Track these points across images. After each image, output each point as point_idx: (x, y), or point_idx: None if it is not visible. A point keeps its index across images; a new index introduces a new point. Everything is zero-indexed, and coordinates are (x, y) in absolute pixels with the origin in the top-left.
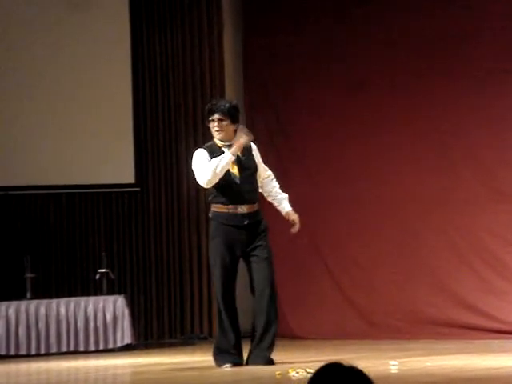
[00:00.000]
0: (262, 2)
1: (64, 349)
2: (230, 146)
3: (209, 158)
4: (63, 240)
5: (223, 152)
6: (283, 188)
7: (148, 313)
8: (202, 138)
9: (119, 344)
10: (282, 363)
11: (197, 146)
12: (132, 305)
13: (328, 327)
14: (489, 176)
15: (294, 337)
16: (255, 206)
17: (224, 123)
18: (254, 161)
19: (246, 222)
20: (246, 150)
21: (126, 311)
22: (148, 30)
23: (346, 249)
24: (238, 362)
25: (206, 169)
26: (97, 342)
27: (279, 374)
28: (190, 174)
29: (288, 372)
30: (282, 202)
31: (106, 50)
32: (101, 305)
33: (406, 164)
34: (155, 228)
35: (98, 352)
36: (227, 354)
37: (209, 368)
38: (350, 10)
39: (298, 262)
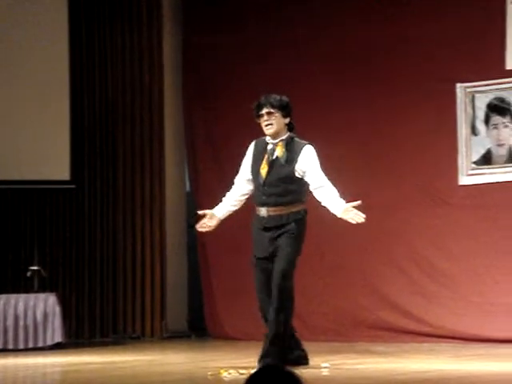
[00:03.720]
0: (203, 0)
1: None
2: (274, 144)
3: (250, 160)
4: None
5: (266, 150)
6: (222, 188)
7: (80, 311)
8: (140, 136)
9: (49, 342)
10: (214, 364)
11: (133, 144)
12: (64, 303)
13: (261, 328)
14: (422, 181)
15: (228, 337)
16: (280, 210)
17: (273, 116)
18: (293, 167)
19: (265, 225)
20: (292, 153)
21: (57, 309)
22: (87, 25)
23: None
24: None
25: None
26: (26, 340)
27: (211, 375)
28: (127, 172)
29: (220, 373)
30: (331, 208)
31: (43, 46)
32: (32, 302)
33: (341, 168)
34: (89, 226)
35: (27, 350)
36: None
37: (139, 366)
38: (291, 11)
39: (233, 264)
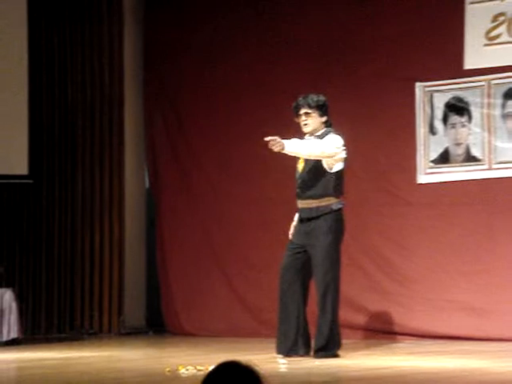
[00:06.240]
0: (164, 0)
1: None
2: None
3: None
4: None
5: None
6: (181, 186)
7: (37, 307)
8: (99, 132)
9: (5, 338)
10: (172, 360)
11: (92, 140)
12: (20, 299)
13: (219, 325)
14: (383, 180)
15: (185, 333)
16: (310, 203)
17: (310, 116)
18: None
19: (300, 216)
20: None
21: (14, 305)
22: (46, 21)
23: (239, 248)
24: (290, 353)
25: None
26: None
27: (169, 371)
28: (86, 167)
29: (178, 369)
30: None
31: (1, 41)
32: None
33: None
34: (47, 221)
35: None
36: (283, 343)
37: (96, 363)
38: (256, 8)
39: (191, 260)
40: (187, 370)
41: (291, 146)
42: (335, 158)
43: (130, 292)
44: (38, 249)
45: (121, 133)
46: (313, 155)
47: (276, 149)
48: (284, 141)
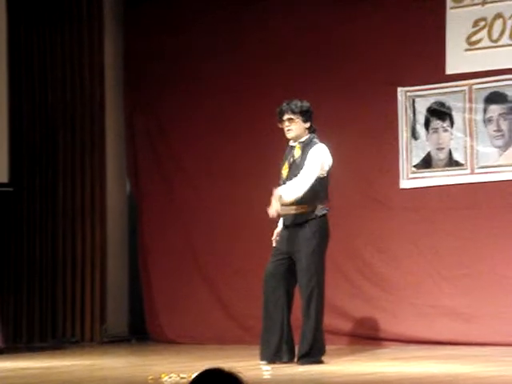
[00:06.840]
0: (144, 1)
1: None
2: (295, 147)
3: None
4: None
5: (290, 151)
6: (163, 192)
7: (18, 316)
8: (80, 139)
9: None
10: (155, 368)
11: (73, 147)
12: (1, 307)
13: (203, 332)
14: (365, 185)
15: (168, 341)
16: (295, 209)
17: (294, 122)
18: (303, 166)
19: (285, 223)
20: (305, 153)
21: None
22: (26, 22)
23: (222, 253)
24: (274, 360)
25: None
26: None
27: (152, 379)
28: (67, 175)
29: (161, 377)
30: None
31: None
32: None
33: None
34: (28, 229)
35: None
36: (266, 349)
37: (79, 371)
38: (238, 11)
39: (174, 266)
40: (170, 377)
41: (288, 193)
42: (324, 168)
43: (113, 299)
44: (19, 257)
45: (102, 139)
46: (308, 185)
47: (276, 209)
48: (280, 191)
